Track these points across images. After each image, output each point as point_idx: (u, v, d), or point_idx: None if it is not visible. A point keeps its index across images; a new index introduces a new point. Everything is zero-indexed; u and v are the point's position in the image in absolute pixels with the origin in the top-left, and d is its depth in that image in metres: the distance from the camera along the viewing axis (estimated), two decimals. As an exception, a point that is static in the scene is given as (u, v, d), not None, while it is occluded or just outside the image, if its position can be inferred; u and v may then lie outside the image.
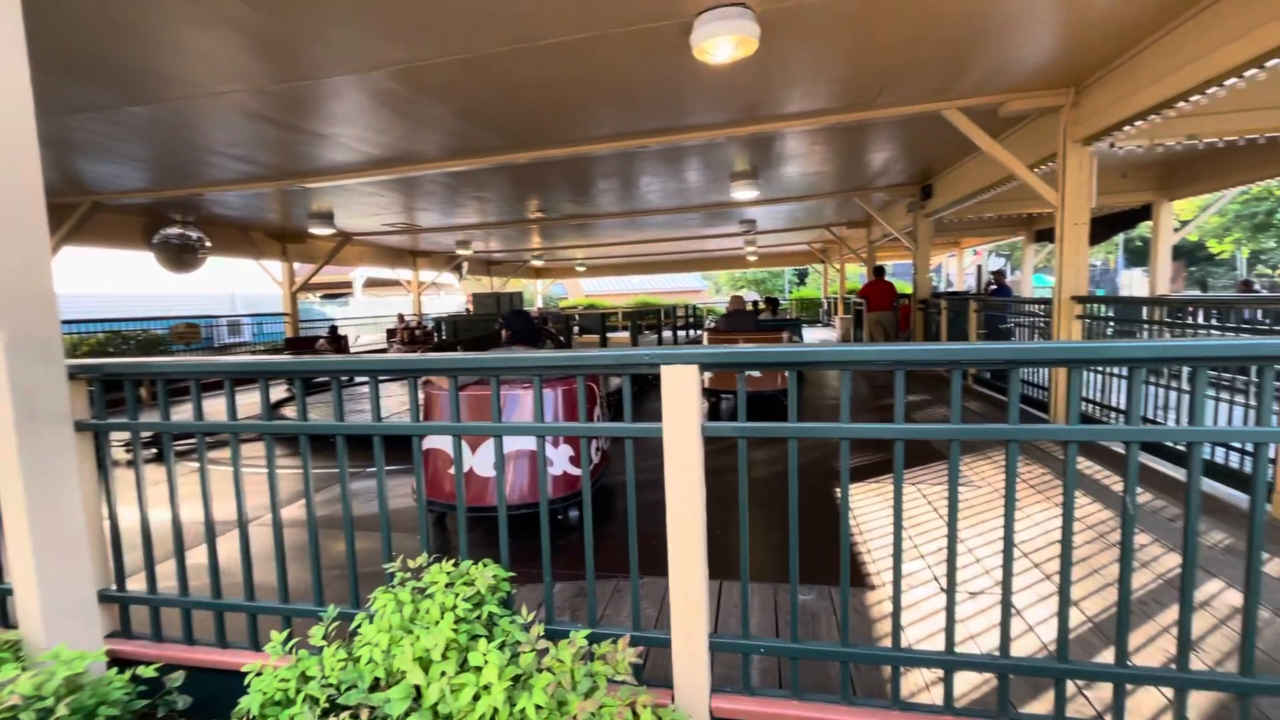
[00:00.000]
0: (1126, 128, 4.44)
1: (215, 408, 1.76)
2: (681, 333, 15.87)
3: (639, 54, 4.05)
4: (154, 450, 5.33)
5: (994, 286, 9.98)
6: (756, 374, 6.51)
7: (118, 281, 18.91)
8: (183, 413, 1.90)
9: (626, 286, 34.91)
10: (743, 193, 8.27)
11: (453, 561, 1.53)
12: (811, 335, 16.53)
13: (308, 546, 1.76)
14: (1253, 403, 3.45)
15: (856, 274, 22.88)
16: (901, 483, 1.38)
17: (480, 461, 3.23)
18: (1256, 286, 12.90)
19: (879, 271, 11.33)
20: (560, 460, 3.24)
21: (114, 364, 1.83)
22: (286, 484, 4.52)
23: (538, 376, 1.47)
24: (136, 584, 2.04)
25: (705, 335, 7.22)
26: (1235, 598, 2.45)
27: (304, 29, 3.52)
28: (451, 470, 3.29)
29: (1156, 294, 8.96)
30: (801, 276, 36.10)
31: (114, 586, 1.98)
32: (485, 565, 1.54)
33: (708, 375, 6.83)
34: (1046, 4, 3.59)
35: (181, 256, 9.91)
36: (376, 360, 1.56)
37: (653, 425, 1.41)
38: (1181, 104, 3.88)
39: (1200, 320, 4.14)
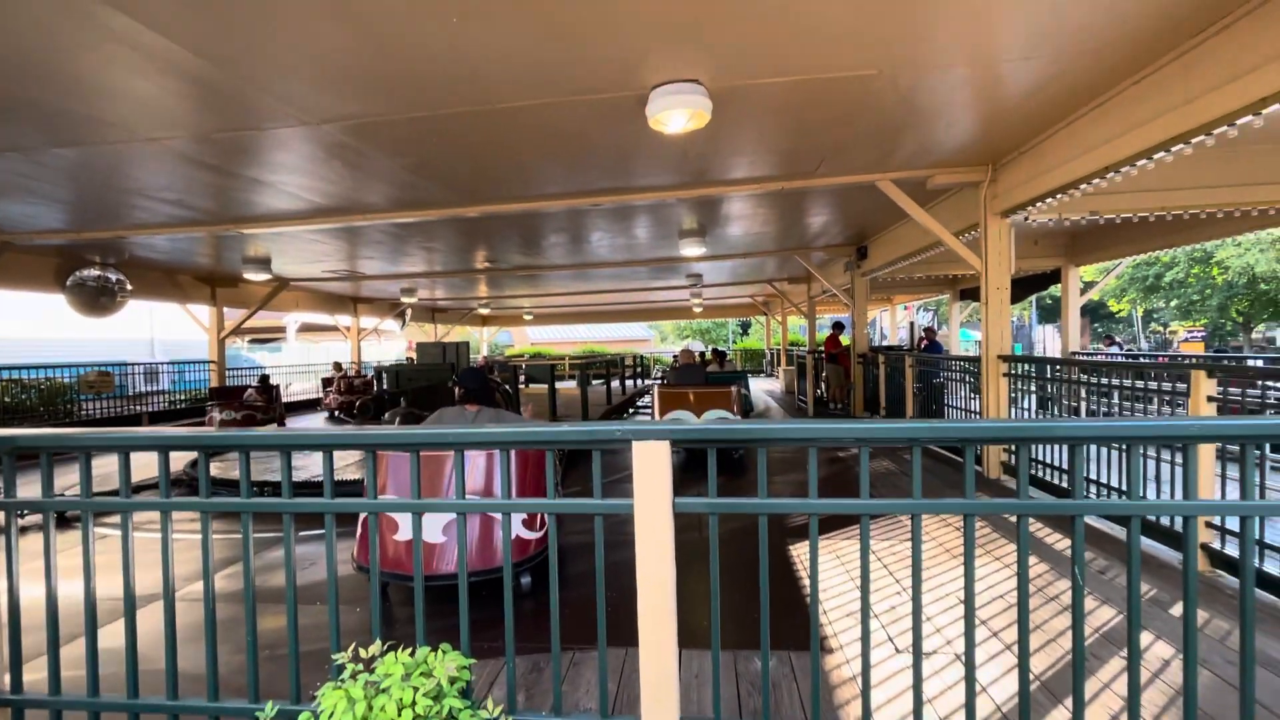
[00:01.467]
0: (1038, 204, 4.88)
1: (141, 464, 1.62)
2: (630, 382, 15.92)
3: (595, 120, 4.18)
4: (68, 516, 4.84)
5: (926, 342, 10.55)
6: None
7: (28, 325, 17.47)
8: (106, 467, 1.74)
9: (573, 335, 34.92)
10: (690, 249, 8.53)
11: (409, 650, 1.43)
12: (757, 385, 16.89)
13: (241, 620, 1.60)
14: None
15: (797, 326, 23.74)
16: (868, 560, 1.40)
17: (428, 527, 3.08)
18: (1118, 340, 14.30)
19: (838, 327, 11.87)
20: (513, 524, 3.13)
21: (26, 436, 1.67)
22: (215, 549, 4.17)
23: (504, 451, 1.43)
24: (37, 672, 1.81)
25: (655, 388, 7.26)
26: (1165, 649, 2.57)
27: (254, 81, 3.47)
28: (396, 536, 3.12)
29: (1069, 349, 9.69)
30: (745, 327, 37.10)
31: (8, 688, 1.75)
32: (445, 653, 1.45)
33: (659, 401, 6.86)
34: (965, 94, 3.95)
35: (98, 300, 9.29)
36: (331, 435, 1.49)
37: (623, 502, 1.39)
38: (1084, 186, 4.30)
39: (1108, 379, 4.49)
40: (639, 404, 13.49)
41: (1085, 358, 9.38)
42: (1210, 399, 3.29)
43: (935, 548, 3.86)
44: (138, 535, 1.74)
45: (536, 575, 3.32)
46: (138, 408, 11.52)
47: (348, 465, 6.40)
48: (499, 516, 3.15)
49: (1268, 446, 3.71)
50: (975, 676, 1.42)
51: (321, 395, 13.85)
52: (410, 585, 3.36)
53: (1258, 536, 3.04)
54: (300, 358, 23.62)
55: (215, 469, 6.46)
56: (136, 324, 19.16)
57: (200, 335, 12.15)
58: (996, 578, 3.38)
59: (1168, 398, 3.65)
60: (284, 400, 12.19)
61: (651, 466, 1.36)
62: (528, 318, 23.73)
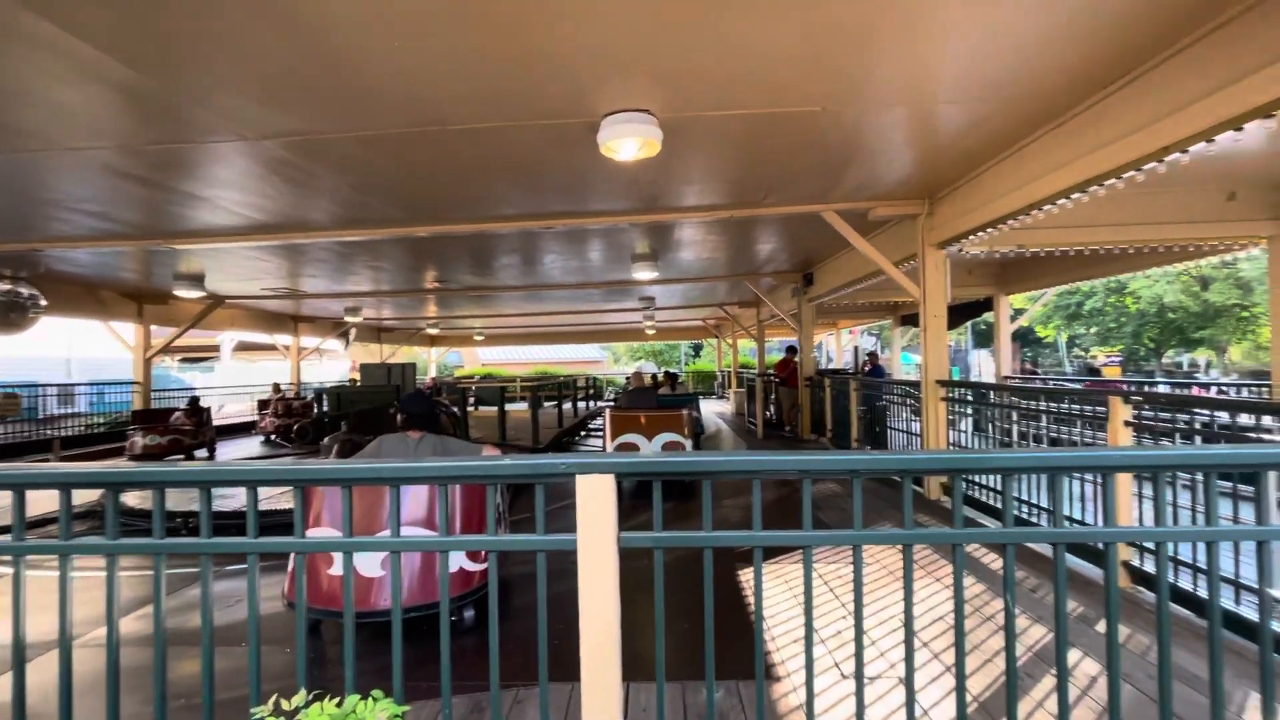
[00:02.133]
0: (971, 237, 5.15)
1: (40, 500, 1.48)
2: (582, 404, 15.81)
3: (547, 145, 4.19)
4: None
5: (869, 366, 10.90)
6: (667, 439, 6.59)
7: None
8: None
9: (525, 355, 34.52)
10: (642, 273, 8.59)
11: (336, 701, 1.35)
12: (708, 407, 17.04)
13: (149, 668, 1.47)
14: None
15: (748, 349, 24.16)
16: (812, 591, 1.41)
17: (364, 560, 2.95)
18: (1035, 369, 14.76)
19: (792, 351, 12.12)
20: (455, 557, 3.03)
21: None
22: (129, 586, 3.86)
23: (442, 486, 1.38)
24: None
25: (607, 411, 7.23)
26: (1093, 666, 2.68)
27: (191, 94, 3.33)
28: (331, 570, 2.97)
29: (1001, 374, 10.19)
30: (697, 349, 37.53)
31: None
32: (376, 700, 1.37)
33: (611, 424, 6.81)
34: (903, 132, 4.16)
35: (7, 316, 8.62)
36: (255, 470, 1.40)
37: (566, 537, 1.36)
38: (1011, 221, 4.57)
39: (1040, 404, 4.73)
40: (591, 427, 13.39)
41: (1016, 383, 9.87)
42: (1127, 423, 3.50)
43: (879, 570, 3.94)
44: (37, 575, 1.59)
45: (481, 608, 3.21)
46: (49, 432, 10.68)
47: (284, 491, 6.08)
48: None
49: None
50: (915, 700, 1.44)
51: (258, 417, 13.19)
52: (340, 622, 3.19)
53: (1172, 555, 3.22)
54: (236, 378, 22.44)
55: (135, 499, 6.02)
56: (52, 342, 17.86)
57: (124, 354, 11.41)
58: (938, 599, 3.47)
59: (1089, 420, 3.87)
60: (216, 424, 11.53)
61: (595, 500, 1.34)
62: (478, 338, 23.35)
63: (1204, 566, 1.47)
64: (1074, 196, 3.88)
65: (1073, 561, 3.97)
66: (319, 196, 5.39)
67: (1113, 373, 22.79)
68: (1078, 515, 3.90)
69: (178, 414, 9.60)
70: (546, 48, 2.90)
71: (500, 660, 1.39)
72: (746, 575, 3.91)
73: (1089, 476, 3.85)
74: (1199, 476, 1.47)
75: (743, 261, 9.58)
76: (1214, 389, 9.74)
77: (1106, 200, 5.14)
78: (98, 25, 2.63)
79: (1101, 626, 3.07)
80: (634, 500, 6.63)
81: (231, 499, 5.87)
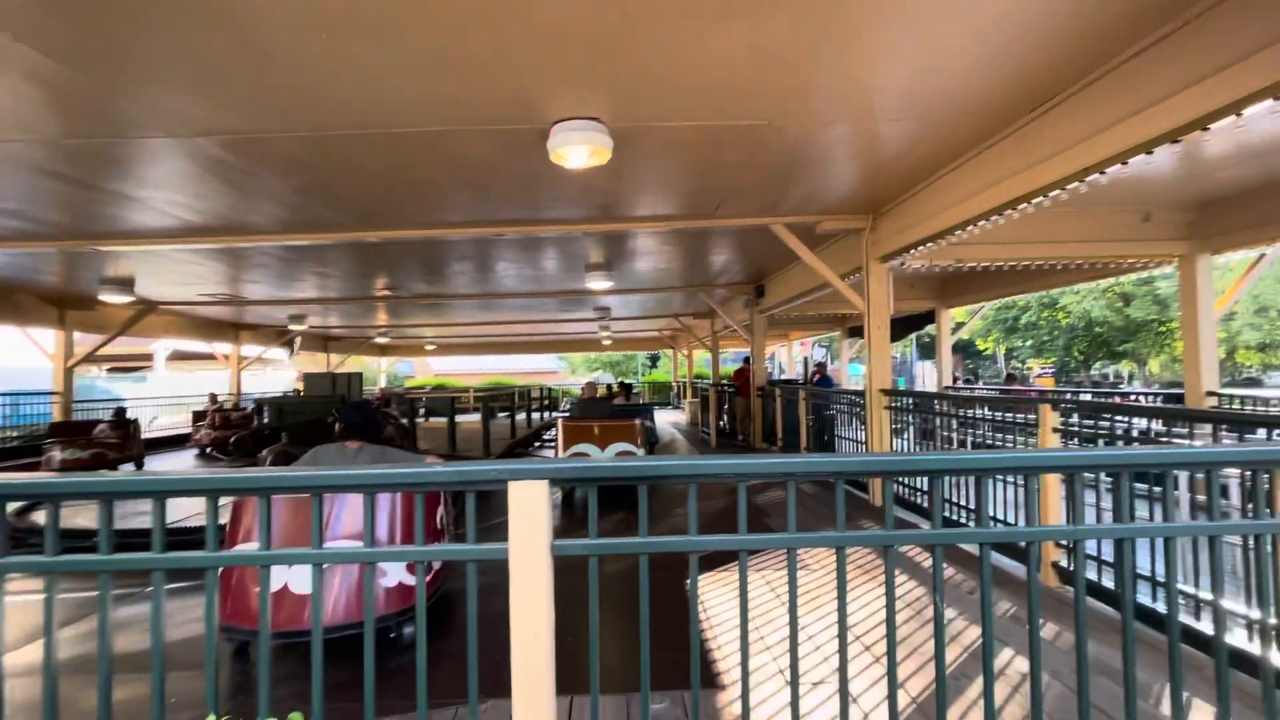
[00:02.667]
0: (911, 251, 5.34)
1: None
2: (536, 415, 15.63)
3: (497, 151, 4.15)
4: None
5: (818, 376, 11.16)
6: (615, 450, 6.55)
7: None
8: None
9: (480, 366, 33.96)
10: (597, 283, 8.59)
11: (250, 724, 1.27)
12: (662, 417, 17.10)
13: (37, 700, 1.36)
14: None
15: (702, 359, 24.39)
16: (747, 596, 1.42)
17: (296, 577, 2.81)
18: (829, 371, 14.68)
19: (749, 361, 12.27)
20: (395, 570, 2.92)
21: None
22: (15, 614, 3.58)
23: (369, 495, 1.33)
24: None
25: (560, 421, 7.17)
26: (1025, 664, 2.78)
27: (116, 87, 3.16)
28: (258, 588, 2.82)
29: (942, 384, 10.59)
30: (654, 360, 37.71)
31: None
32: (295, 721, 1.30)
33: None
34: (846, 148, 4.30)
35: (-92, 321, 7.97)
36: (160, 479, 1.32)
37: (498, 546, 1.32)
38: (949, 236, 4.76)
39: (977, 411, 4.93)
40: (546, 437, 13.25)
41: (954, 392, 10.26)
42: (1055, 430, 3.68)
43: (826, 575, 4.00)
44: None
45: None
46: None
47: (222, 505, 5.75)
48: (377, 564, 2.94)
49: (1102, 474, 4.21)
50: (849, 705, 1.45)
51: (192, 429, 12.53)
52: (278, 643, 3.04)
53: (1090, 554, 3.39)
54: (171, 389, 21.28)
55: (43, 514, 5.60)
56: (-39, 349, 16.59)
57: (45, 363, 10.68)
58: (879, 602, 3.54)
59: (1022, 427, 4.05)
60: (145, 436, 10.89)
61: (528, 508, 1.31)
62: (430, 348, 22.86)
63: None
64: (1006, 214, 4.08)
65: (1008, 563, 4.12)
66: (259, 198, 5.19)
67: (1047, 383, 23.95)
68: (1014, 521, 4.06)
69: (102, 426, 9.03)
70: (492, 53, 2.87)
71: (443, 676, 1.34)
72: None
73: (1018, 483, 4.02)
74: (1116, 480, 1.54)
75: (697, 273, 9.69)
76: (1132, 398, 10.35)
77: (1038, 218, 5.42)
78: (15, 11, 2.47)
79: (1022, 624, 3.19)
80: (583, 512, 6.57)
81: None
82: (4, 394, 11.24)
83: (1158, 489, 3.08)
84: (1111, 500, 1.60)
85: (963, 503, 4.72)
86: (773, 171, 4.71)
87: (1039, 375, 26.41)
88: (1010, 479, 4.07)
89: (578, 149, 3.61)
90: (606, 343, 22.50)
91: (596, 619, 1.35)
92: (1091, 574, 3.36)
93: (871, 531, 1.47)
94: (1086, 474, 2.18)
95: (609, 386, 13.25)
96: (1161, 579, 3.00)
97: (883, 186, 5.14)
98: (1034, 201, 3.73)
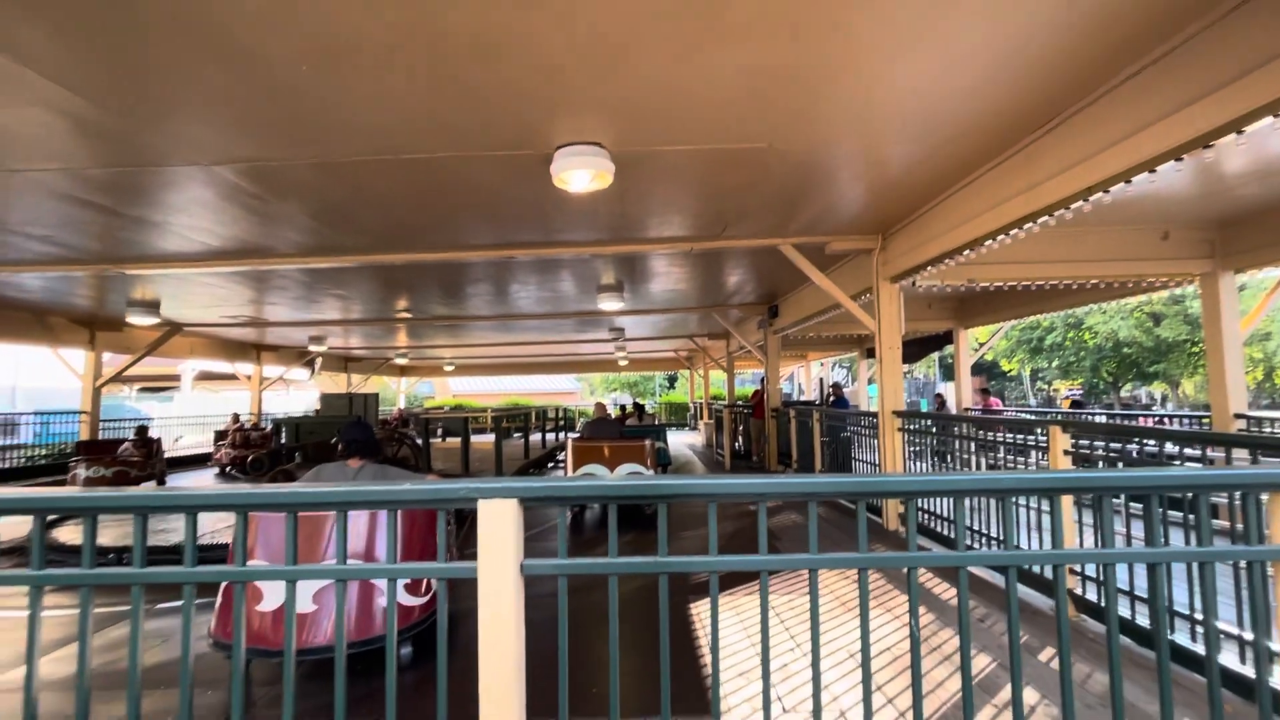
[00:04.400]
0: (922, 271, 5.29)
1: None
2: (551, 435, 15.64)
3: (504, 175, 4.23)
4: None
5: (833, 398, 11.03)
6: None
7: None
8: None
9: (498, 386, 34.20)
10: (609, 304, 8.64)
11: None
12: (677, 438, 17.01)
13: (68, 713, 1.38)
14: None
15: (719, 380, 24.28)
16: (768, 618, 1.39)
17: (300, 596, 2.83)
18: (944, 396, 14.56)
19: (764, 381, 12.21)
20: (395, 590, 2.92)
21: None
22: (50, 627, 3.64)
23: (342, 512, 1.35)
24: None
25: (570, 442, 7.17)
26: (1031, 695, 2.68)
27: (138, 120, 3.30)
28: (260, 607, 2.85)
29: (962, 405, 10.38)
30: (671, 380, 37.62)
31: None
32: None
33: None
34: (851, 169, 4.30)
35: (-52, 343, 8.30)
36: (139, 496, 1.34)
37: (466, 565, 1.32)
38: (958, 256, 4.72)
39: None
40: (559, 458, 13.24)
41: (974, 414, 10.05)
42: (1066, 452, 3.58)
43: (830, 600, 3.91)
44: None
45: (418, 644, 3.10)
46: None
47: (218, 529, 5.84)
48: (378, 583, 2.95)
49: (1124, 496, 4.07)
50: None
51: (214, 449, 12.77)
52: (274, 661, 3.05)
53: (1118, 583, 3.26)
54: (197, 408, 21.77)
55: (68, 533, 5.73)
56: (-1, 369, 17.21)
57: (75, 383, 11.01)
58: (885, 629, 3.45)
59: (1034, 449, 3.96)
60: (169, 455, 11.13)
61: (497, 527, 1.31)
62: (449, 368, 23.11)
63: (1146, 595, 1.47)
64: (1012, 233, 4.03)
65: (1021, 591, 3.99)
66: (278, 223, 5.35)
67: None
68: (1026, 547, 3.94)
69: (126, 444, 9.25)
70: (496, 83, 2.95)
71: (433, 700, 1.32)
72: (697, 609, 3.85)
73: (1034, 506, 3.91)
74: (1146, 502, 1.47)
75: (709, 293, 9.70)
76: (1154, 420, 10.05)
77: (1054, 236, 5.35)
78: (32, 45, 2.60)
79: (1044, 655, 3.08)
80: (597, 532, 6.54)
81: (157, 535, 5.63)
82: (35, 413, 11.59)
83: (1173, 513, 2.97)
84: (1143, 526, 1.52)
85: (977, 528, 4.60)
86: (777, 193, 4.72)
87: (1065, 397, 25.75)
88: (1028, 502, 3.97)
89: (579, 173, 3.67)
90: (623, 363, 22.54)
91: (565, 642, 1.34)
92: (1094, 597, 3.25)
93: (895, 554, 1.43)
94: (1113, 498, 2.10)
95: (622, 407, 13.23)
96: (1182, 611, 2.87)
97: (891, 207, 5.12)
98: (1039, 220, 3.69)
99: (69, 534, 5.83)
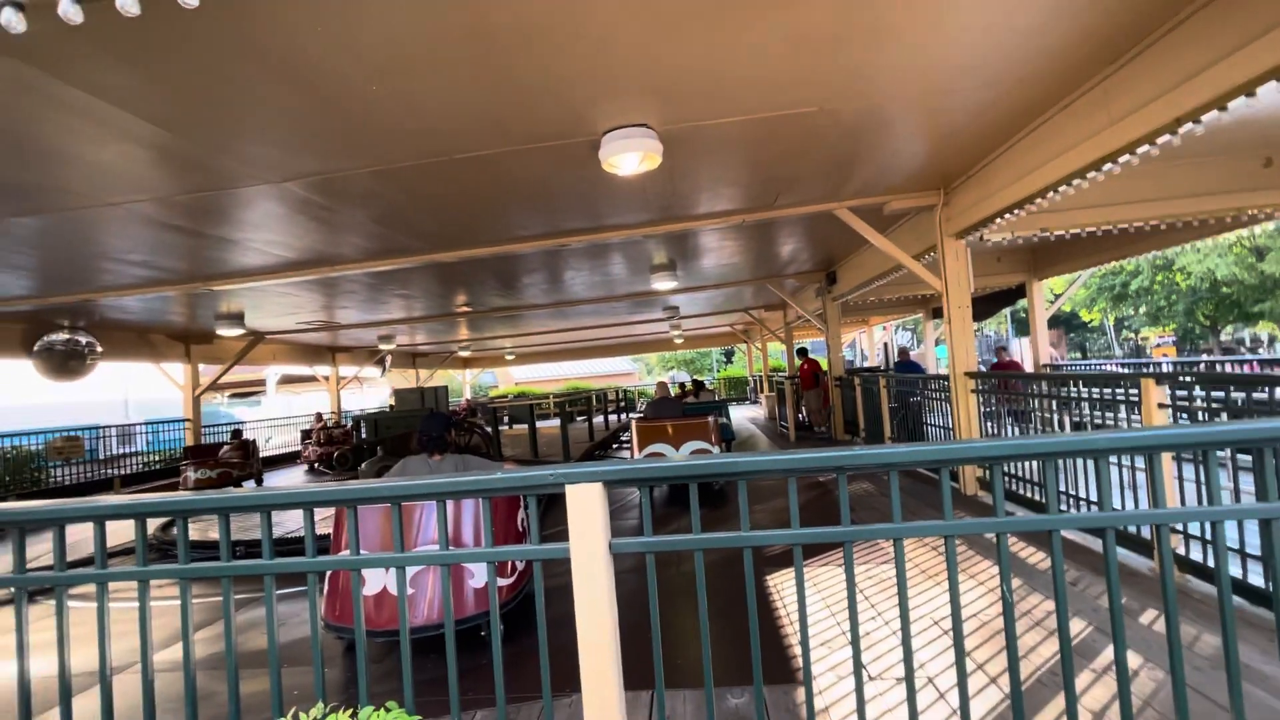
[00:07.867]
0: (989, 224, 5.04)
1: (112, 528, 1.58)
2: (613, 417, 15.88)
3: (553, 166, 4.29)
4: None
5: (900, 362, 10.68)
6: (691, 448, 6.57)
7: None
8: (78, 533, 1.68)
9: (557, 372, 34.88)
10: (662, 284, 8.64)
11: (350, 712, 1.41)
12: (738, 413, 16.92)
13: (213, 689, 1.56)
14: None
15: (777, 351, 23.93)
16: (854, 588, 1.41)
17: (394, 580, 3.03)
18: (1010, 346, 13.48)
19: (801, 353, 11.94)
20: (481, 572, 3.09)
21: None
22: (159, 620, 4.04)
23: (440, 501, 1.44)
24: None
25: (634, 423, 7.27)
26: (1133, 659, 2.58)
27: (212, 144, 3.53)
28: (363, 592, 3.07)
29: (1039, 362, 9.85)
30: (729, 355, 37.31)
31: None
32: (389, 710, 1.43)
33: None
34: (908, 124, 4.12)
35: (68, 364, 9.17)
36: (261, 496, 1.48)
37: (559, 546, 1.40)
38: (1029, 205, 4.46)
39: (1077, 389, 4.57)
40: (623, 439, 13.44)
41: (1052, 370, 9.52)
42: (1161, 405, 3.37)
43: (909, 568, 3.86)
44: (111, 605, 1.69)
45: (508, 623, 3.27)
46: (110, 471, 11.26)
47: (324, 518, 6.26)
48: (469, 566, 3.12)
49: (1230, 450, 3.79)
50: (969, 702, 1.42)
51: (301, 447, 13.64)
52: (378, 640, 3.29)
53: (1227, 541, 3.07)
54: (282, 410, 23.27)
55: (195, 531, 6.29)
56: (109, 385, 18.86)
57: (176, 394, 11.99)
58: (970, 595, 3.38)
59: (1125, 404, 3.74)
60: (263, 455, 11.99)
61: (585, 509, 1.38)
62: (509, 358, 23.72)
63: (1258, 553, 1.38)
64: (1090, 176, 3.77)
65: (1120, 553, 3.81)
66: (343, 231, 5.61)
67: (1167, 353, 21.73)
68: (1119, 507, 3.75)
69: (226, 447, 10.01)
70: (538, 74, 2.98)
71: (526, 671, 1.43)
72: (774, 581, 3.88)
73: (1126, 465, 3.71)
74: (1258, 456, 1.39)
75: (764, 264, 9.54)
76: (1258, 365, 9.22)
77: (1137, 175, 4.97)
78: (121, 88, 2.82)
79: (1143, 619, 2.95)
80: (664, 509, 6.64)
81: (250, 530, 6.07)
82: (147, 423, 12.69)
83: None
84: (1254, 480, 1.42)
85: (1063, 489, 4.40)
86: (830, 156, 4.58)
87: (1157, 346, 24.01)
88: (1119, 460, 3.76)
89: (628, 156, 3.68)
90: (678, 341, 22.52)
91: (657, 613, 1.40)
92: (1197, 556, 3.08)
93: (982, 520, 1.42)
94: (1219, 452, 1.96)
95: (682, 385, 13.25)
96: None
97: (952, 159, 4.88)
98: (1120, 160, 3.44)
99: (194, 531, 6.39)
